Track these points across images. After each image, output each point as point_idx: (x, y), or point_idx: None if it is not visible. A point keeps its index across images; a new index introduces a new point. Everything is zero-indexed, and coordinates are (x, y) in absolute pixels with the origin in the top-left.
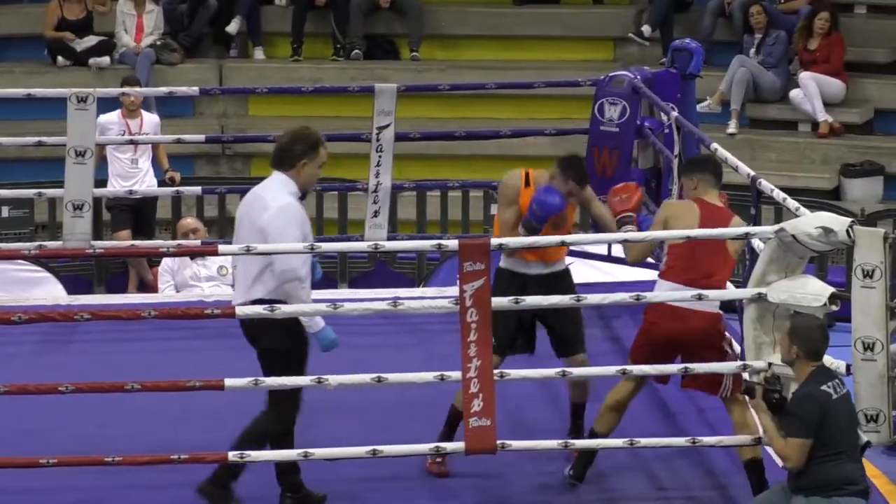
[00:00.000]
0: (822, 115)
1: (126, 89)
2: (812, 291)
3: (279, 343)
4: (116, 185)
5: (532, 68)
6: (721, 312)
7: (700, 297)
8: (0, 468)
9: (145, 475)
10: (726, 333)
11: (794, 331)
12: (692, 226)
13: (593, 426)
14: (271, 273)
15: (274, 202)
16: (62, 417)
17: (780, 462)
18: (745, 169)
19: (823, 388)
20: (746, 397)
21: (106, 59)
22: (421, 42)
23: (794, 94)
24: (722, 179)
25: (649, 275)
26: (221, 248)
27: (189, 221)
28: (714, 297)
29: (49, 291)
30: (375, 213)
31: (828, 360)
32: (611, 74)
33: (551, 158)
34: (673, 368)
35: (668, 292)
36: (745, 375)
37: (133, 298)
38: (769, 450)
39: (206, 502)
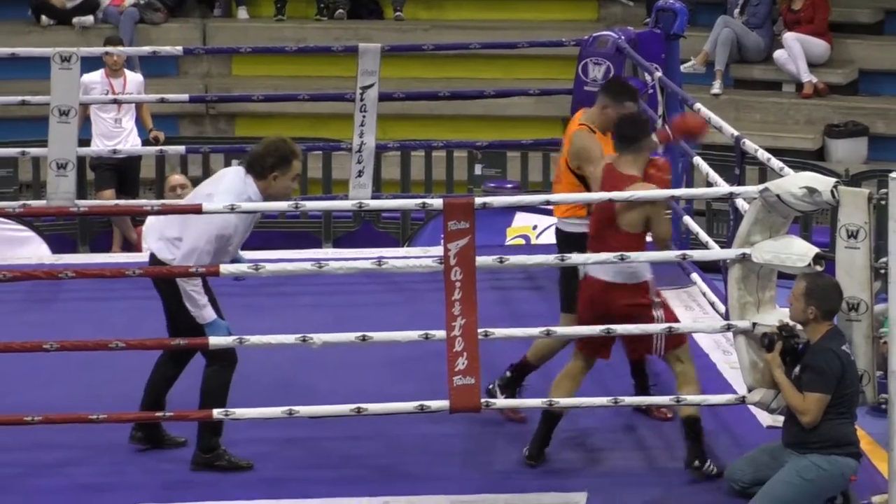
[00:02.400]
0: (807, 76)
1: (109, 49)
2: (796, 252)
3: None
4: (100, 145)
5: (516, 28)
6: (647, 281)
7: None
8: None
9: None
10: (656, 299)
11: (810, 291)
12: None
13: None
14: (178, 248)
15: (218, 197)
16: (47, 375)
17: (765, 419)
18: (729, 129)
19: (844, 347)
20: (764, 351)
21: (90, 19)
22: (405, 2)
23: (779, 54)
24: (638, 139)
25: None
26: (206, 206)
27: (177, 177)
28: (698, 257)
29: (34, 251)
30: (360, 173)
31: None
32: (595, 35)
33: (535, 119)
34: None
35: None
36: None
37: (117, 257)
38: (752, 408)
39: (209, 471)
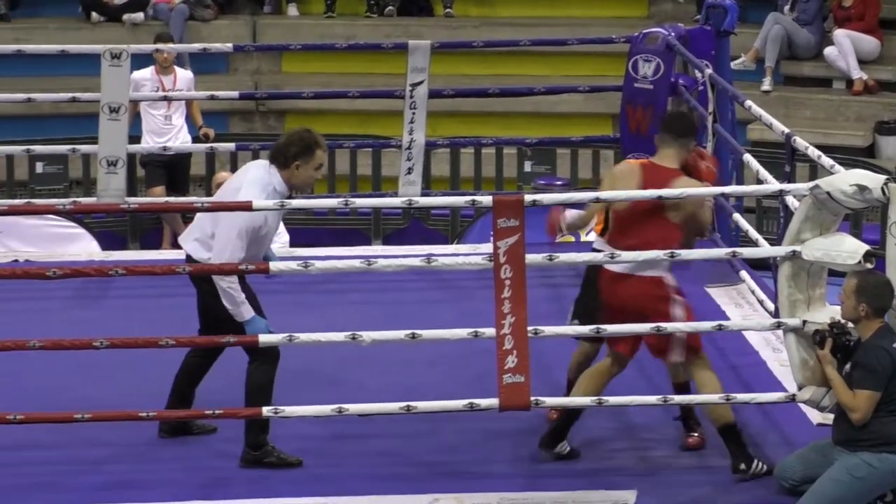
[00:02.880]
0: (857, 73)
1: (160, 46)
2: (847, 249)
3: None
4: (150, 142)
5: (566, 25)
6: (662, 277)
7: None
8: (36, 423)
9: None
10: (675, 296)
11: (861, 288)
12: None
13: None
14: (211, 246)
15: (247, 191)
16: (97, 373)
17: (815, 417)
18: (779, 126)
19: (895, 345)
20: (816, 348)
21: (140, 16)
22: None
23: (829, 51)
24: (686, 136)
25: None
26: (255, 203)
27: (224, 174)
28: (748, 254)
29: (84, 247)
30: (409, 170)
31: None
32: (645, 31)
33: (585, 116)
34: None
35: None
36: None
37: (167, 254)
38: (803, 406)
39: (258, 468)
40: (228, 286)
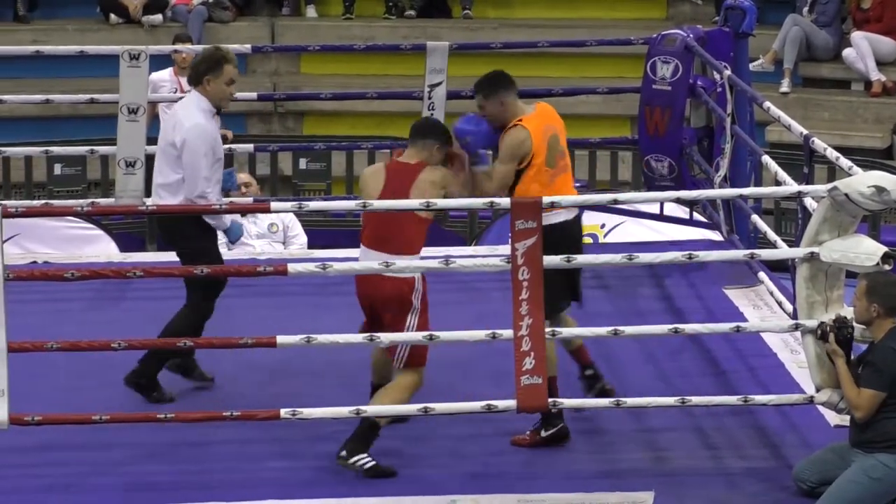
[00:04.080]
0: (875, 74)
1: (178, 47)
2: (865, 251)
3: (196, 243)
4: None
5: (584, 27)
6: (414, 278)
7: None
8: (54, 424)
9: (197, 431)
10: (416, 304)
11: (872, 289)
12: (377, 189)
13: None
14: (182, 188)
15: (186, 121)
16: (115, 374)
17: (833, 418)
18: (798, 128)
19: None
20: (821, 341)
21: (158, 17)
22: (474, 0)
23: (847, 52)
24: (426, 137)
25: (700, 234)
26: (273, 205)
27: (242, 176)
28: (766, 256)
29: (102, 249)
30: None
31: None
32: (663, 33)
33: (603, 117)
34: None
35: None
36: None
37: None
38: (820, 408)
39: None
40: (201, 199)
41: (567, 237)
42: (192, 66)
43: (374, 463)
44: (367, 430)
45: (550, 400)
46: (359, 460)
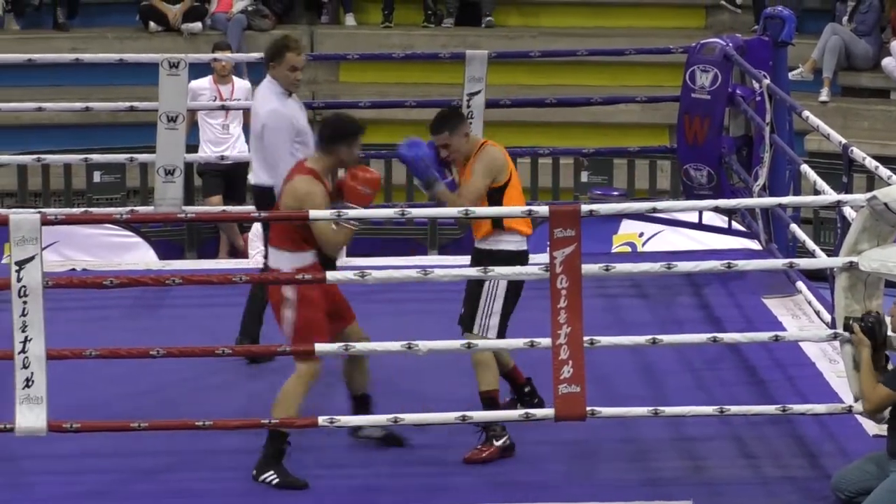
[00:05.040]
0: None
1: (217, 55)
2: None
3: None
4: (208, 151)
5: (623, 35)
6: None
7: None
8: (92, 431)
9: (236, 439)
10: (288, 296)
11: None
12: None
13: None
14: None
15: (262, 109)
16: (153, 381)
17: (871, 428)
18: (837, 137)
19: None
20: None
21: (198, 25)
22: (494, 7)
23: (887, 62)
24: (330, 142)
25: (739, 243)
26: (312, 213)
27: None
28: (805, 265)
29: (141, 256)
30: None
31: None
32: (703, 42)
33: (642, 126)
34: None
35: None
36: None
37: (224, 264)
38: (859, 417)
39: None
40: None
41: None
42: (265, 55)
43: (278, 480)
44: (269, 444)
45: (588, 409)
46: (266, 477)
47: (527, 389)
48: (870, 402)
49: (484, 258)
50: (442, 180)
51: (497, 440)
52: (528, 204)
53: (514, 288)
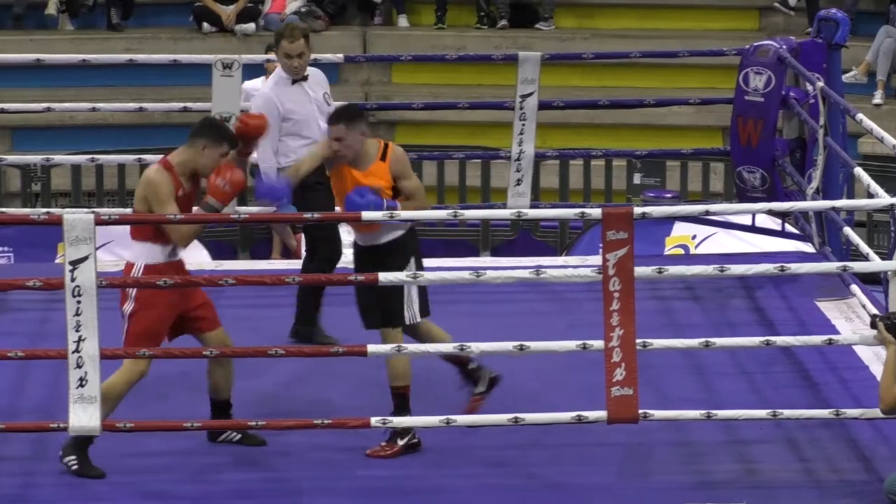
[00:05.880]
0: None
1: (271, 56)
2: None
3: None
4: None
5: (676, 37)
6: (132, 265)
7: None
8: (145, 431)
9: (288, 439)
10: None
11: None
12: None
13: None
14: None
15: (258, 92)
16: (205, 381)
17: None
18: (890, 140)
19: None
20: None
21: (251, 26)
22: (554, 9)
23: None
24: (193, 136)
25: (793, 245)
26: (364, 214)
27: None
28: (858, 269)
29: (194, 257)
30: (518, 182)
31: None
32: (756, 44)
33: (694, 128)
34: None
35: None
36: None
37: (277, 264)
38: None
39: None
40: (266, 170)
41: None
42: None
43: (77, 466)
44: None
45: (641, 412)
46: (69, 461)
47: (471, 366)
48: (884, 402)
49: (406, 238)
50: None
51: (401, 438)
52: (579, 206)
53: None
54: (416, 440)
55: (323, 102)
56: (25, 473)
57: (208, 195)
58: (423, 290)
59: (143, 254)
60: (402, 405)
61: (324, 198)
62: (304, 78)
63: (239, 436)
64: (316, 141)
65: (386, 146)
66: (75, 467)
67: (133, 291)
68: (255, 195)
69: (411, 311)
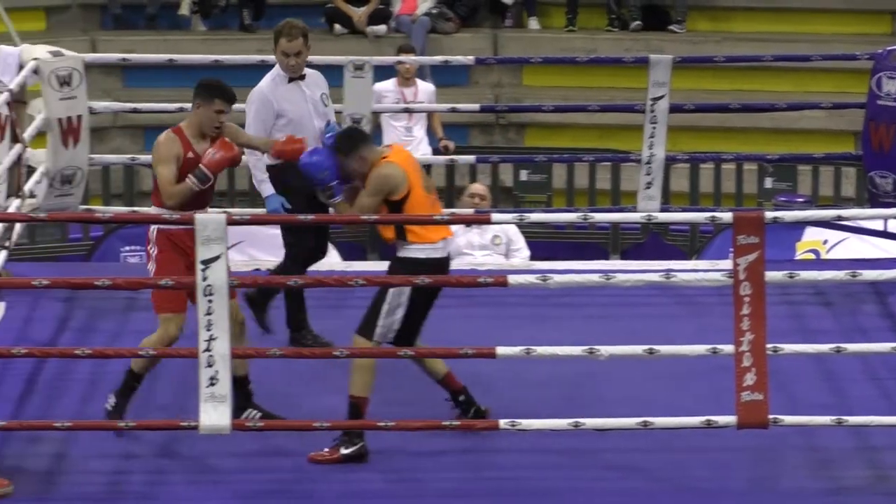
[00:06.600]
0: None
1: (402, 57)
2: None
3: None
4: None
5: (808, 41)
6: (151, 230)
7: None
8: (275, 430)
9: (415, 440)
10: (151, 250)
11: None
12: None
13: None
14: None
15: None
16: (336, 381)
17: None
18: None
19: None
20: None
21: (382, 28)
22: (687, 13)
23: None
24: (196, 97)
25: None
26: (494, 216)
27: (478, 187)
28: None
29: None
30: (648, 185)
31: None
32: (890, 48)
33: (826, 132)
34: None
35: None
36: None
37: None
38: None
39: None
40: (254, 167)
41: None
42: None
43: (111, 409)
44: (124, 380)
45: (771, 417)
46: (109, 402)
47: (461, 398)
48: None
49: (392, 264)
50: (338, 195)
51: (346, 448)
52: (710, 209)
53: (420, 298)
54: (362, 452)
55: (320, 103)
56: (155, 471)
57: (202, 163)
58: (413, 321)
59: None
60: (355, 415)
61: (304, 202)
62: (302, 77)
63: (260, 414)
64: (310, 141)
65: (376, 163)
66: (110, 409)
67: (154, 252)
68: (299, 165)
69: (384, 330)
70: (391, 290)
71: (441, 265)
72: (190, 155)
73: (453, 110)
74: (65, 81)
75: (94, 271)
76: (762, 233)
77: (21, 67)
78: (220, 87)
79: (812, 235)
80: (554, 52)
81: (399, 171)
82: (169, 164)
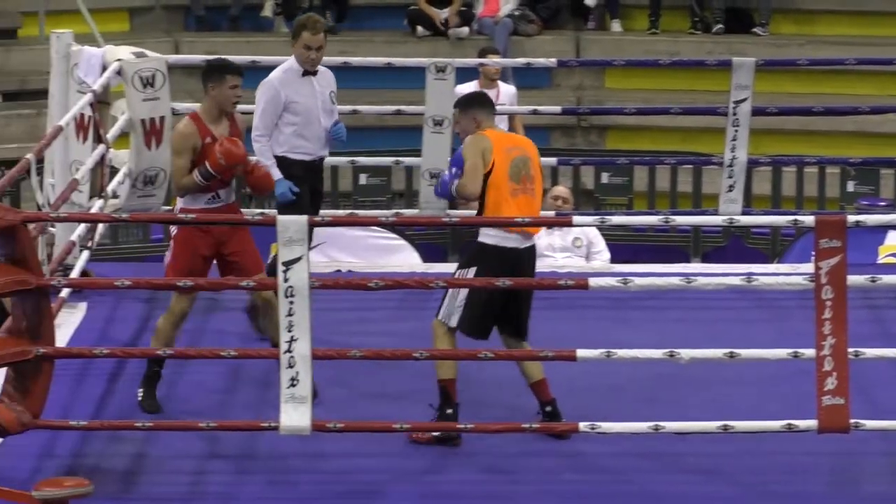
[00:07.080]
0: None
1: (484, 60)
2: None
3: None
4: None
5: (891, 44)
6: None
7: None
8: (355, 431)
9: (491, 442)
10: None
11: None
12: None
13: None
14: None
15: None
16: (415, 383)
17: None
18: None
19: None
20: None
21: (465, 30)
22: (770, 16)
23: None
24: (206, 77)
25: None
26: (576, 219)
27: (560, 190)
28: None
29: (405, 259)
30: (730, 188)
31: None
32: None
33: None
34: None
35: None
36: None
37: None
38: None
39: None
40: (259, 151)
41: (512, 267)
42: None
43: (140, 398)
44: (147, 368)
45: (852, 421)
46: (138, 392)
47: (547, 409)
48: None
49: (467, 243)
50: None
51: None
52: (792, 213)
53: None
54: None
55: (328, 100)
56: (236, 472)
57: (206, 160)
58: (482, 309)
59: (183, 202)
60: (444, 400)
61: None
62: (314, 73)
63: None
64: (315, 136)
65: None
66: (140, 399)
67: (174, 232)
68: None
69: (448, 311)
70: (459, 271)
71: (511, 256)
72: (208, 140)
73: (535, 112)
74: (148, 82)
75: None
76: (844, 236)
77: (104, 68)
78: (227, 64)
79: (894, 239)
80: (636, 54)
81: (488, 141)
82: (182, 156)
